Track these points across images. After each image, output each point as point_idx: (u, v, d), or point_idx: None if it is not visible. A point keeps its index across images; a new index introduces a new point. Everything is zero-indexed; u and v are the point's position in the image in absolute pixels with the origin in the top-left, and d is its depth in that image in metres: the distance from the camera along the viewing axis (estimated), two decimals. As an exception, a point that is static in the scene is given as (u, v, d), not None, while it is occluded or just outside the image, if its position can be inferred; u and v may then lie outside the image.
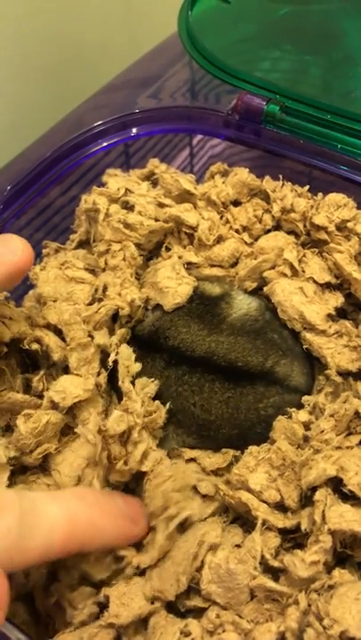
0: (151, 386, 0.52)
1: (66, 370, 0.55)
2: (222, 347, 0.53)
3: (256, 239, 0.62)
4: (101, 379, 0.53)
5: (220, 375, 0.52)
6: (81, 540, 0.41)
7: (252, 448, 0.50)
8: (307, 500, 0.47)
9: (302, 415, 0.51)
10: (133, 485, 0.50)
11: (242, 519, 0.50)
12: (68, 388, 0.51)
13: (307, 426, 0.50)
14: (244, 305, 0.57)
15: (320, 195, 0.60)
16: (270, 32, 0.70)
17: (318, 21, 0.77)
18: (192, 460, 0.53)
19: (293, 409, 0.51)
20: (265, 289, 0.59)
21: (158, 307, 0.57)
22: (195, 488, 0.50)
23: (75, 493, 0.44)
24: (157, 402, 0.52)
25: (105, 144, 0.67)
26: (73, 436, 0.53)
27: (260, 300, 0.58)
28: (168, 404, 0.52)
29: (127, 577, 0.47)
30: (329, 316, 0.56)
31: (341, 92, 0.63)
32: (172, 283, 0.57)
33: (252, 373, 0.52)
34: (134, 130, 0.65)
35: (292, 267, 0.58)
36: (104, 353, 0.55)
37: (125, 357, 0.53)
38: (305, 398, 0.53)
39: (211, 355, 0.52)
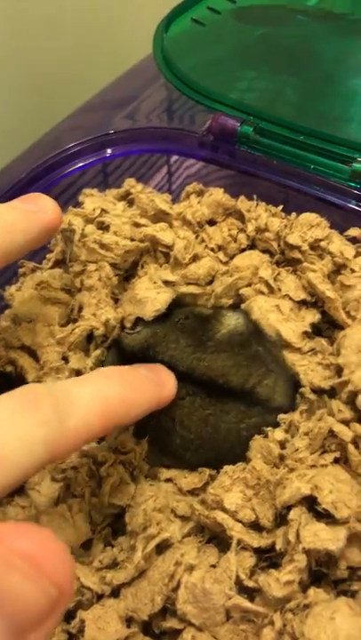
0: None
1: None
2: (203, 363, 0.53)
3: (231, 258, 0.63)
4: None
5: (202, 392, 0.51)
6: (118, 415, 0.41)
7: (228, 467, 0.50)
8: (282, 519, 0.48)
9: (278, 434, 0.51)
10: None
11: (217, 539, 0.50)
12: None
13: (283, 444, 0.51)
14: (232, 321, 0.57)
15: (294, 214, 0.61)
16: (245, 54, 0.71)
17: (292, 43, 0.78)
18: (169, 480, 0.53)
19: (270, 428, 0.52)
20: (242, 306, 0.59)
21: (150, 323, 0.56)
22: (172, 510, 0.50)
23: (100, 373, 0.44)
24: (140, 440, 0.53)
25: (80, 164, 0.67)
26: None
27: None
28: (146, 438, 0.52)
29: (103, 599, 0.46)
30: (305, 333, 0.57)
31: (315, 114, 0.64)
32: (151, 292, 0.57)
33: (233, 391, 0.52)
34: (109, 150, 0.66)
35: (267, 284, 0.58)
36: (80, 374, 0.55)
37: None
38: (281, 416, 0.53)
39: (192, 371, 0.52)
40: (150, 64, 0.72)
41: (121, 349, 0.56)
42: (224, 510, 0.48)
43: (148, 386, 0.45)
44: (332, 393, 0.56)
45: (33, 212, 0.44)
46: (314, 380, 0.54)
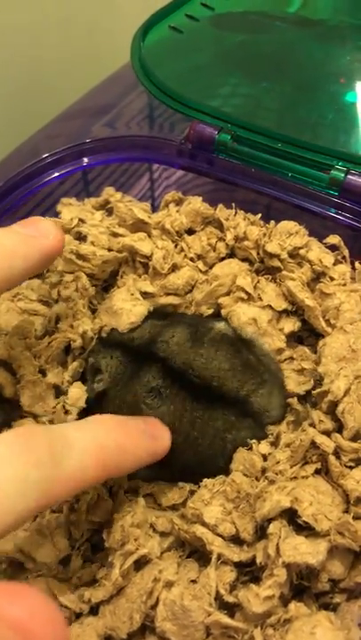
0: None
1: (19, 404, 0.54)
2: (199, 361, 0.51)
3: (211, 267, 0.62)
4: (57, 416, 0.53)
5: (194, 392, 0.50)
6: (113, 463, 0.40)
7: (207, 481, 0.50)
8: (262, 532, 0.47)
9: (263, 447, 0.50)
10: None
11: (198, 553, 0.49)
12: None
13: (266, 457, 0.50)
14: (222, 325, 0.56)
15: (272, 222, 0.61)
16: (223, 61, 0.71)
17: (271, 50, 0.78)
18: (148, 495, 0.52)
19: (254, 440, 0.51)
20: (223, 313, 0.59)
21: (149, 317, 0.56)
22: (152, 525, 0.49)
23: (98, 420, 0.43)
24: None
25: (57, 174, 0.67)
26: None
27: None
28: None
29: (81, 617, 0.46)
30: (279, 350, 0.57)
31: (294, 121, 0.64)
32: (127, 304, 0.56)
33: (225, 397, 0.51)
34: (86, 159, 0.65)
35: (246, 292, 0.58)
36: (58, 388, 0.54)
37: (75, 399, 0.52)
38: (270, 428, 0.52)
39: (188, 367, 0.51)
40: (130, 71, 0.71)
41: (126, 349, 0.55)
42: (204, 524, 0.47)
43: (144, 438, 0.44)
44: (306, 398, 0.57)
45: (33, 237, 0.42)
46: (289, 387, 0.54)
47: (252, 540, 0.47)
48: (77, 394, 0.54)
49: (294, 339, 0.60)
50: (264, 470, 0.50)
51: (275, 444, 0.52)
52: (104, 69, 0.81)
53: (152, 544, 0.46)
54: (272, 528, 0.45)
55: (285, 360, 0.59)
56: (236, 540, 0.47)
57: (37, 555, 0.48)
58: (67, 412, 0.54)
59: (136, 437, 0.43)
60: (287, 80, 0.70)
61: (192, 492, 0.52)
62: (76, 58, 0.99)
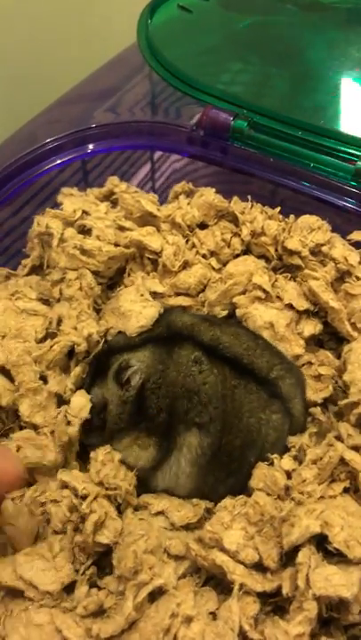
0: (116, 456, 0.48)
1: (17, 414, 0.49)
2: (226, 336, 0.50)
3: (224, 264, 0.58)
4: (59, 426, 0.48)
5: (229, 364, 0.49)
6: None
7: (227, 502, 0.45)
8: (287, 558, 0.43)
9: (286, 462, 0.46)
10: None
11: (215, 579, 0.45)
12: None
13: (289, 474, 0.46)
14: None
15: (292, 217, 0.56)
16: (233, 43, 0.66)
17: (281, 33, 0.73)
18: (160, 513, 0.48)
19: (275, 455, 0.47)
20: (238, 314, 0.54)
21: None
22: (165, 549, 0.44)
23: None
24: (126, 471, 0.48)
25: (59, 161, 0.62)
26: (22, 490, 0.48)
27: None
28: (134, 472, 0.48)
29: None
30: (297, 356, 0.53)
31: (309, 107, 0.59)
32: (136, 306, 0.52)
33: (256, 375, 0.49)
34: (91, 146, 0.60)
35: (263, 291, 0.54)
36: (60, 397, 0.49)
37: (78, 408, 0.48)
38: (291, 439, 0.48)
39: (217, 343, 0.49)
40: (134, 54, 0.66)
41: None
42: (224, 551, 0.43)
43: None
44: (327, 406, 0.53)
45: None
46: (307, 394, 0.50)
47: (276, 567, 0.43)
48: (81, 403, 0.50)
49: (315, 342, 0.56)
50: (287, 488, 0.46)
51: (298, 458, 0.47)
52: (107, 51, 0.75)
53: (168, 572, 0.42)
54: (301, 557, 0.40)
55: (303, 365, 0.55)
56: (258, 566, 0.43)
57: (39, 582, 0.44)
58: (69, 423, 0.49)
59: None
60: (298, 64, 0.66)
61: (208, 511, 0.48)
62: (77, 38, 0.93)
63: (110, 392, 0.48)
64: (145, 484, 0.49)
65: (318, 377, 0.55)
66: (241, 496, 0.46)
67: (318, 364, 0.55)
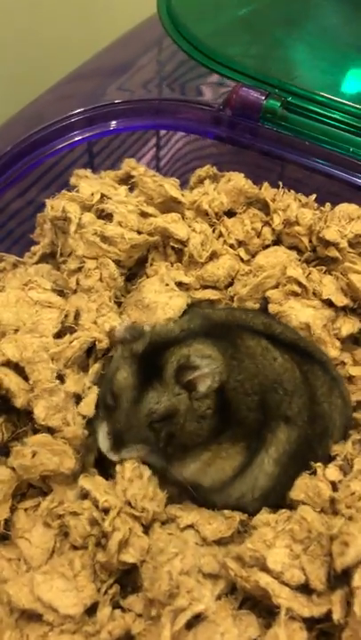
0: (145, 472, 0.43)
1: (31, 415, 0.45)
2: (275, 322, 0.48)
3: (253, 255, 0.54)
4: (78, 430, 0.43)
5: (288, 349, 0.46)
6: None
7: (268, 516, 0.41)
8: (336, 579, 0.39)
9: (331, 472, 0.42)
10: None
11: (253, 599, 0.41)
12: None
13: (335, 485, 0.42)
14: None
15: (328, 205, 0.52)
16: (267, 15, 0.61)
17: (322, 4, 0.67)
18: (189, 527, 0.44)
19: (319, 464, 0.43)
20: (271, 310, 0.50)
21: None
22: (198, 568, 0.40)
23: None
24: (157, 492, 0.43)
25: (72, 140, 0.57)
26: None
27: None
28: (165, 494, 0.43)
29: None
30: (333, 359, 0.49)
31: (349, 88, 0.55)
32: (162, 297, 0.48)
33: (315, 359, 0.46)
34: (113, 123, 0.55)
35: (300, 284, 0.50)
36: (79, 397, 0.45)
37: (89, 402, 0.44)
38: (334, 448, 0.44)
39: (270, 329, 0.46)
40: (151, 26, 0.62)
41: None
42: (267, 571, 0.39)
43: None
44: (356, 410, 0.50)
45: None
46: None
47: (323, 589, 0.39)
48: (92, 400, 0.45)
49: (351, 340, 0.52)
50: (333, 501, 0.42)
51: (343, 468, 0.43)
52: (122, 24, 0.70)
53: (207, 597, 0.38)
54: (358, 580, 0.36)
55: (337, 365, 0.51)
56: (303, 588, 0.39)
57: (60, 604, 0.39)
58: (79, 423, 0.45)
59: None
60: (335, 42, 0.61)
61: (242, 523, 0.44)
62: (89, 9, 0.87)
63: (179, 400, 0.41)
64: (208, 498, 0.45)
65: (350, 379, 0.51)
66: (283, 510, 0.42)
67: (352, 364, 0.52)
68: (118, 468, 0.43)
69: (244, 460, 0.43)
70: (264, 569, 0.39)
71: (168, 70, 0.64)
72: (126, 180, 0.57)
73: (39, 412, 0.44)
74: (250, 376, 0.43)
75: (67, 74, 0.66)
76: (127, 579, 0.43)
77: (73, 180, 0.55)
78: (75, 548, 0.43)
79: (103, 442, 0.43)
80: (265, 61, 0.57)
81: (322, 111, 0.53)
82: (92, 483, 0.43)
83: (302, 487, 0.42)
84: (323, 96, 0.53)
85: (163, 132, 0.71)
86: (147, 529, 0.43)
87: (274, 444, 0.43)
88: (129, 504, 0.41)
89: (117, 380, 0.42)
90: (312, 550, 0.39)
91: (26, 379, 0.45)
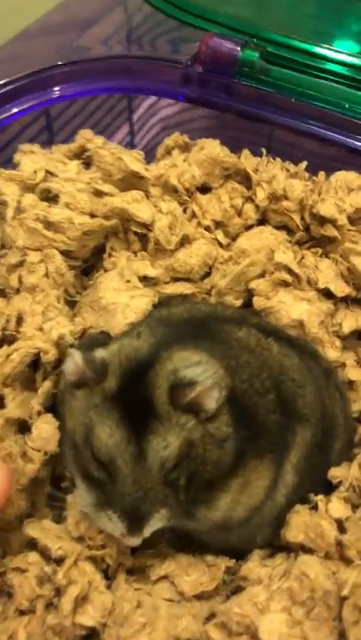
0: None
1: None
2: (249, 315, 0.42)
3: (234, 238, 0.46)
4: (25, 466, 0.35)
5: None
6: None
7: (260, 570, 0.33)
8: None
9: (336, 507, 0.34)
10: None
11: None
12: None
13: (341, 523, 0.33)
14: None
15: (322, 174, 0.43)
16: None
17: None
18: (163, 578, 0.35)
19: (320, 496, 0.34)
20: (256, 305, 0.41)
21: None
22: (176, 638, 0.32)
23: None
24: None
25: (17, 109, 0.48)
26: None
27: None
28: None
29: None
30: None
31: (341, 33, 0.46)
32: (122, 296, 0.41)
33: (304, 350, 0.41)
34: (57, 89, 0.47)
35: (290, 272, 0.41)
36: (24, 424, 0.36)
37: (42, 439, 0.35)
38: (333, 473, 0.37)
39: (246, 318, 0.41)
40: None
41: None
42: (259, 642, 0.30)
43: None
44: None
45: None
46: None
47: (334, 665, 0.30)
48: (47, 432, 0.37)
49: (355, 336, 0.44)
50: (340, 544, 0.33)
51: (350, 500, 0.35)
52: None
53: None
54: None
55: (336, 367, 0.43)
56: (308, 662, 0.31)
57: None
58: (30, 460, 0.36)
59: None
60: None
61: (229, 571, 0.35)
62: None
63: (190, 431, 0.32)
64: (222, 534, 0.36)
65: (350, 384, 0.43)
66: (278, 559, 0.33)
67: (354, 365, 0.43)
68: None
69: (274, 475, 0.35)
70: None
71: (131, 27, 0.55)
72: (80, 155, 0.48)
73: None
74: (256, 372, 0.35)
75: (13, 34, 0.57)
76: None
77: (17, 157, 0.47)
78: (21, 613, 0.34)
79: (116, 528, 0.32)
80: (241, 7, 0.48)
81: (310, 62, 0.44)
82: (40, 529, 0.35)
83: (300, 526, 0.34)
84: (311, 44, 0.44)
85: (136, 101, 0.61)
86: (109, 581, 0.35)
87: (293, 449, 0.36)
88: (83, 540, 0.33)
89: (101, 441, 0.32)
90: (317, 614, 0.31)
91: None
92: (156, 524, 0.32)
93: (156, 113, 0.58)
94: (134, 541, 0.32)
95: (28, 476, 0.36)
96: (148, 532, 0.32)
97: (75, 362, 0.32)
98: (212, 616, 0.34)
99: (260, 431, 0.35)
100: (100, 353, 0.33)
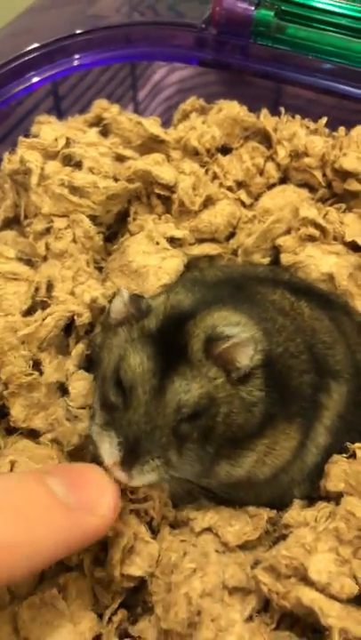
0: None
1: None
2: (281, 270, 0.43)
3: (257, 198, 0.45)
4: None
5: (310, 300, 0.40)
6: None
7: (306, 513, 0.33)
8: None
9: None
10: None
11: (292, 615, 0.33)
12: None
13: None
14: None
15: (342, 129, 0.43)
16: None
17: None
18: (207, 530, 0.36)
19: (358, 444, 0.34)
20: (283, 261, 0.42)
21: None
22: (223, 583, 0.32)
23: None
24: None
25: (33, 81, 0.48)
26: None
27: None
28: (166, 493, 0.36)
29: None
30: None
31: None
32: (153, 259, 0.41)
33: (336, 304, 0.41)
34: (77, 57, 0.46)
35: (317, 226, 0.41)
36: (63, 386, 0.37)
37: (80, 395, 0.36)
38: None
39: (279, 276, 0.41)
40: None
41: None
42: (310, 583, 0.31)
43: (60, 511, 0.28)
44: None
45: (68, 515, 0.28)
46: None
47: (382, 600, 0.31)
48: (84, 387, 0.38)
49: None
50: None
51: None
52: None
53: (237, 623, 0.30)
54: None
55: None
56: (359, 601, 0.31)
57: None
58: (75, 418, 0.37)
59: (39, 517, 0.27)
60: None
61: (270, 521, 0.36)
62: None
63: (216, 387, 0.32)
64: (250, 493, 0.37)
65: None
66: (322, 503, 0.34)
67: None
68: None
69: (302, 437, 0.35)
70: (306, 581, 0.31)
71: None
72: (97, 124, 0.48)
73: (17, 412, 0.37)
74: (291, 335, 0.35)
75: (23, 8, 0.56)
76: (134, 598, 0.36)
77: (34, 128, 0.47)
78: (68, 569, 0.35)
79: (112, 454, 0.31)
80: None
81: (327, 18, 0.43)
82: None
83: (340, 475, 0.35)
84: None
85: (140, 69, 0.61)
86: (154, 534, 0.35)
87: (325, 409, 0.36)
88: (125, 494, 0.34)
89: (129, 367, 0.32)
90: (365, 551, 0.31)
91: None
92: (148, 473, 0.31)
93: (163, 81, 0.58)
94: (122, 476, 0.31)
95: (79, 433, 0.36)
96: (138, 476, 0.31)
97: (122, 298, 0.33)
98: (257, 564, 0.34)
99: (293, 394, 0.35)
100: (147, 299, 0.35)
